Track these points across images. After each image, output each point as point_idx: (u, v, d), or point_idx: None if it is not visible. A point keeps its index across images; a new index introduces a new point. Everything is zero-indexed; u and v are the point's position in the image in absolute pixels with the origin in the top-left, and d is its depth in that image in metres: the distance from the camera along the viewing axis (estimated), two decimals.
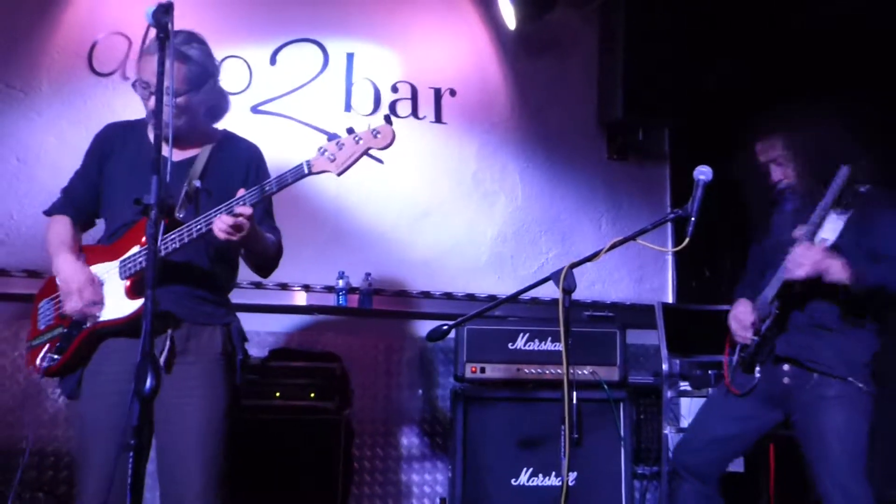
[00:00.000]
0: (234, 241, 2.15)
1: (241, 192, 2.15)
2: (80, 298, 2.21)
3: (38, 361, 2.29)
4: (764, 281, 2.71)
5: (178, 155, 2.31)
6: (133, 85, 2.30)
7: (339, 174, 2.16)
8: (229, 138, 2.47)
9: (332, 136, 2.16)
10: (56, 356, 2.25)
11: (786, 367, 2.65)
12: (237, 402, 2.34)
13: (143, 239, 2.19)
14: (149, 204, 1.73)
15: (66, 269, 2.26)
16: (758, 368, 2.70)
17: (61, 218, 2.41)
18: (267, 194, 2.16)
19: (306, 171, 2.16)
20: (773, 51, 4.27)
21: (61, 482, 3.49)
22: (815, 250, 2.49)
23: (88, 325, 2.23)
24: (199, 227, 2.14)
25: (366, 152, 2.16)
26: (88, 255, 2.33)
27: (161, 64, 1.83)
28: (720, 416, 2.79)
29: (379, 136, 2.15)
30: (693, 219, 2.33)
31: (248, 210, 2.10)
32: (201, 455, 2.20)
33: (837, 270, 2.46)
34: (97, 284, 2.24)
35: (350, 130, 2.15)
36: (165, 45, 1.84)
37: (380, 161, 4.28)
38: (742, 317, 2.73)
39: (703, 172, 2.36)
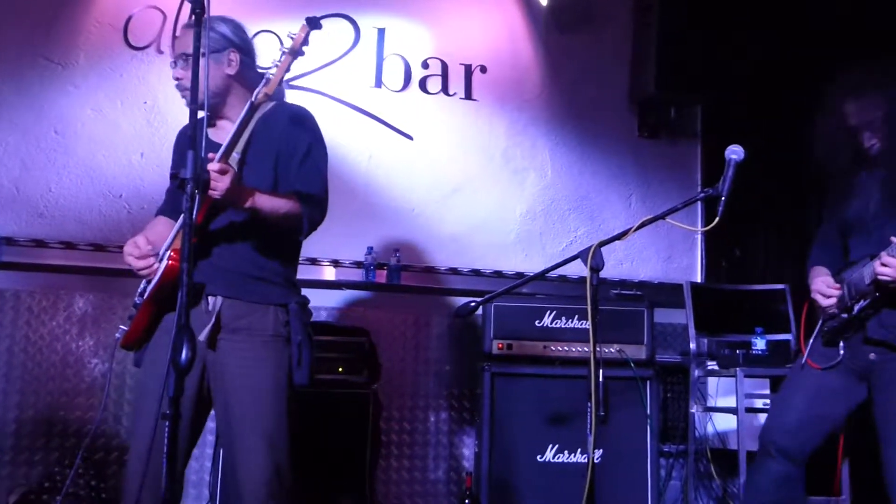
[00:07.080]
0: (223, 195, 2.03)
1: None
2: (134, 246, 2.19)
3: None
4: (853, 251, 2.59)
5: (229, 130, 2.24)
6: (171, 64, 2.31)
7: (271, 93, 2.12)
8: (276, 109, 2.36)
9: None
10: (124, 328, 2.30)
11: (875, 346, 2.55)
12: (292, 383, 2.25)
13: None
14: (185, 178, 1.75)
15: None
16: (842, 343, 2.61)
17: (158, 218, 2.45)
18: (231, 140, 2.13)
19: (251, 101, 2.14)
20: (806, 25, 4.19)
21: (96, 449, 3.59)
22: None
23: (145, 297, 2.26)
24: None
25: (291, 55, 2.11)
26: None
27: (197, 38, 1.84)
28: (809, 394, 2.66)
29: (295, 35, 2.11)
30: (723, 199, 2.28)
31: (216, 165, 1.99)
32: (260, 431, 2.17)
33: None
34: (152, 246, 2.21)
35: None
36: (202, 20, 1.85)
37: (409, 137, 4.31)
38: (825, 290, 2.63)
39: (734, 152, 2.32)
